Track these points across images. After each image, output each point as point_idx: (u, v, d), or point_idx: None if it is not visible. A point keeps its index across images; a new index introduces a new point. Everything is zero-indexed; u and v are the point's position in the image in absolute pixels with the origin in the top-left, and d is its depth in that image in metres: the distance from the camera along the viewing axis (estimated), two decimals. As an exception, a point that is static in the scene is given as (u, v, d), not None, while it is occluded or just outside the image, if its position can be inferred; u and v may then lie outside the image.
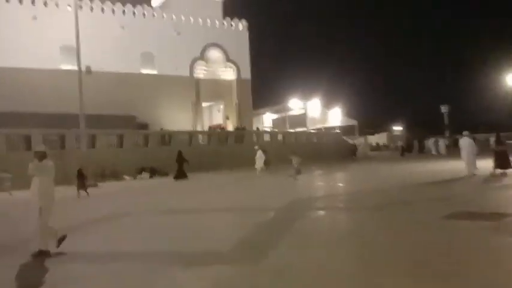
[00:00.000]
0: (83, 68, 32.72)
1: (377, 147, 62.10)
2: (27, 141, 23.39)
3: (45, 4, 31.68)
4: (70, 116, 24.33)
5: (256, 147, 27.02)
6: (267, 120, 58.12)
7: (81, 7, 33.39)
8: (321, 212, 10.67)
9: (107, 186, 22.31)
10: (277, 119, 57.81)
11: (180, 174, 23.58)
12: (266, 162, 27.63)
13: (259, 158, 25.59)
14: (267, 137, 38.13)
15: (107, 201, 15.73)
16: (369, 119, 75.64)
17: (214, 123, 41.28)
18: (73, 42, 31.11)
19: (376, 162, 33.34)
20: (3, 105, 26.19)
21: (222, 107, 40.70)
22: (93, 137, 26.06)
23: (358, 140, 53.63)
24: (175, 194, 17.00)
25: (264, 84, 67.01)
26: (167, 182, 23.40)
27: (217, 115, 42.55)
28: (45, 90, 29.45)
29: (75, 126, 23.36)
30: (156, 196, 16.68)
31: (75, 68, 31.51)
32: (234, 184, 20.00)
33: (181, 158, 24.01)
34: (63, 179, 23.00)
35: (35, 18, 30.89)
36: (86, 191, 17.27)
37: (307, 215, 10.12)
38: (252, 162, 25.74)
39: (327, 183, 18.79)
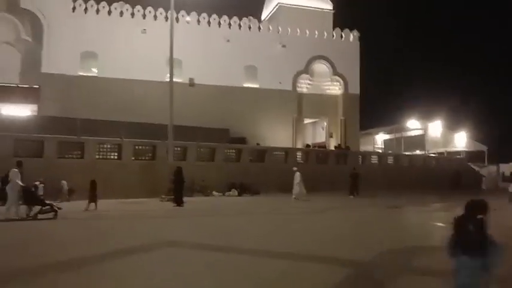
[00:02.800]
0: (187, 80, 33.25)
1: (511, 179, 52.63)
2: (119, 149, 23.41)
3: (155, 18, 32.59)
4: (165, 127, 23.81)
5: (294, 168, 22.90)
6: (378, 140, 53.24)
7: (188, 21, 33.94)
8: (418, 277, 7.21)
9: (192, 202, 21.02)
10: (389, 139, 52.55)
11: (178, 199, 18.46)
12: (354, 188, 24.08)
13: (298, 182, 21.83)
14: (374, 159, 34.13)
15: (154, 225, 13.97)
16: (503, 145, 65.23)
17: (317, 141, 38.46)
18: (178, 55, 31.76)
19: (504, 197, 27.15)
20: (102, 114, 26.93)
21: (325, 124, 37.72)
22: (185, 149, 25.27)
23: (488, 169, 45.71)
24: (247, 216, 14.71)
25: (376, 101, 61.88)
26: (253, 200, 21.33)
27: (321, 133, 39.67)
28: (147, 102, 29.89)
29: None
30: (228, 221, 14.50)
31: (178, 80, 32.09)
32: (320, 213, 16.94)
33: (179, 177, 18.80)
34: (151, 190, 22.71)
35: (144, 31, 31.88)
36: (95, 204, 16.20)
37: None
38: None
39: (444, 223, 14.64)
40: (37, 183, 19.43)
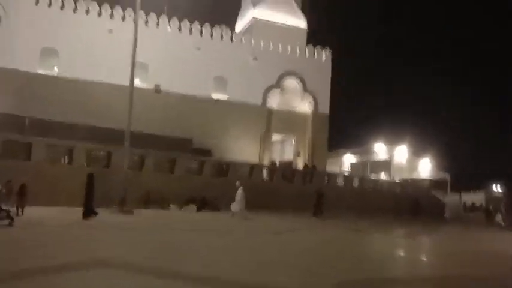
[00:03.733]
0: (153, 86, 31.83)
1: (472, 208, 53.57)
2: (70, 153, 21.72)
3: (123, 19, 31.17)
4: (123, 133, 22.26)
5: (237, 182, 21.27)
6: (346, 162, 53.17)
7: (158, 24, 32.70)
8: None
9: (143, 214, 19.57)
10: (356, 163, 52.60)
11: (88, 210, 15.97)
12: (318, 208, 23.40)
13: (239, 199, 20.33)
14: (340, 181, 33.61)
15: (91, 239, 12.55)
16: (465, 173, 66.67)
17: (284, 159, 37.63)
18: (145, 60, 30.42)
19: (469, 228, 27.11)
20: (59, 115, 25.25)
21: (293, 142, 37.01)
22: (143, 158, 23.80)
23: (451, 197, 46.22)
24: (195, 235, 13.45)
25: (345, 123, 62.13)
26: (211, 217, 20.04)
27: (288, 151, 38.90)
28: (108, 105, 28.23)
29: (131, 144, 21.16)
30: (169, 240, 13.18)
31: (143, 85, 30.66)
32: (277, 235, 15.88)
33: (91, 185, 16.58)
34: (102, 199, 21.00)
35: (110, 31, 30.39)
36: (22, 210, 15.18)
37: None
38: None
39: (406, 252, 13.87)
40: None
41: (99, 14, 31.02)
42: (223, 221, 18.99)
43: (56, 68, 29.67)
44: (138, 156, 23.47)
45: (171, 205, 23.58)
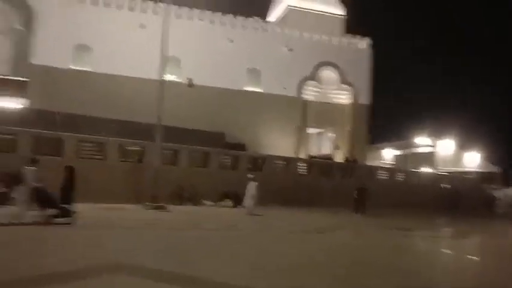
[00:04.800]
0: (185, 80, 31.22)
1: (526, 203, 49.84)
2: (102, 148, 21.30)
3: (155, 12, 30.67)
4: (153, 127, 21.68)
5: (250, 175, 19.90)
6: (387, 156, 50.85)
7: (190, 17, 32.07)
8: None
9: (176, 210, 18.87)
10: (398, 155, 50.16)
11: (64, 211, 12.15)
12: (360, 204, 21.65)
13: (253, 193, 18.86)
14: (383, 175, 31.79)
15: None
16: (517, 167, 62.37)
17: (321, 153, 36.19)
18: (177, 53, 29.84)
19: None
20: (91, 110, 25.01)
21: (331, 134, 35.49)
22: (175, 153, 23.13)
23: (503, 191, 43.09)
24: (233, 233, 12.44)
25: (385, 114, 59.50)
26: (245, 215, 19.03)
27: (326, 144, 37.43)
28: (141, 100, 27.85)
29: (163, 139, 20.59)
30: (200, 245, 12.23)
31: (176, 79, 30.12)
32: (317, 234, 14.62)
33: (70, 180, 13.23)
34: (135, 196, 20.55)
35: (142, 26, 29.98)
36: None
37: None
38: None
39: (455, 252, 12.27)
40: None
41: (131, 8, 30.71)
42: (257, 218, 17.95)
43: (88, 64, 29.63)
44: (170, 151, 22.81)
45: (204, 201, 22.88)
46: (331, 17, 36.53)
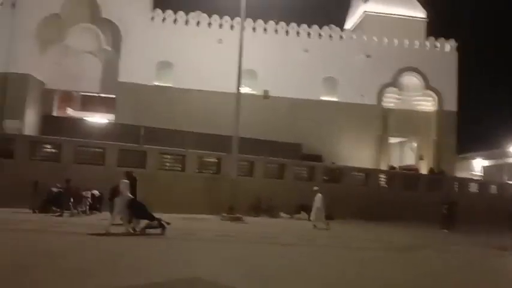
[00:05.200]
0: (261, 92, 31.34)
1: None
2: (182, 160, 21.93)
3: (232, 27, 31.27)
4: (231, 139, 21.86)
5: (315, 187, 18.71)
6: (476, 166, 46.73)
7: (265, 30, 32.23)
8: None
9: (252, 222, 18.76)
10: (489, 166, 45.83)
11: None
12: (449, 220, 19.98)
13: (319, 206, 17.79)
14: (473, 188, 29.17)
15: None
16: None
17: (404, 164, 34.18)
18: (254, 66, 30.07)
19: None
20: (169, 123, 25.99)
21: (415, 144, 33.40)
22: (251, 164, 23.13)
23: None
24: (311, 249, 11.83)
25: (475, 122, 54.70)
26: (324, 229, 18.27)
27: (409, 154, 35.33)
28: (218, 113, 28.35)
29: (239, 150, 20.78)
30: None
31: (252, 91, 30.34)
32: (405, 252, 13.48)
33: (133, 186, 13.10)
34: (212, 206, 20.79)
35: (220, 41, 30.68)
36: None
37: None
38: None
39: None
40: (96, 191, 18.65)
41: (209, 25, 31.66)
42: (336, 231, 17.13)
43: (170, 80, 30.93)
44: (246, 162, 22.88)
45: (281, 213, 22.55)
46: (412, 20, 34.68)
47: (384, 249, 13.07)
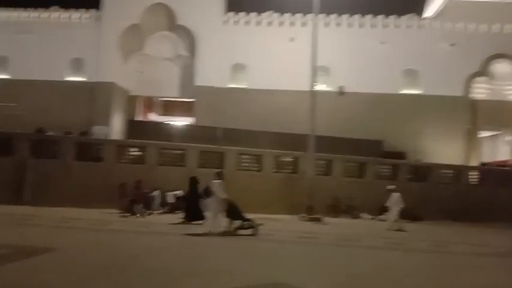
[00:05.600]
0: (336, 89, 30.44)
1: None
2: (259, 160, 21.88)
3: (303, 24, 30.69)
4: (306, 138, 21.44)
5: (389, 186, 17.50)
6: None
7: (339, 24, 31.30)
8: None
9: (331, 223, 18.16)
10: None
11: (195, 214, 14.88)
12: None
13: (394, 205, 16.48)
14: None
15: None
16: None
17: (498, 159, 31.25)
18: (327, 62, 29.25)
19: None
20: (244, 124, 26.10)
21: (510, 138, 30.40)
22: (329, 163, 22.46)
23: None
24: (401, 254, 10.96)
25: None
26: (415, 229, 17.07)
27: (503, 149, 32.26)
28: (292, 112, 28.03)
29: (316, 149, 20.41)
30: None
31: (327, 88, 29.56)
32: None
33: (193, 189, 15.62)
34: (290, 206, 20.49)
35: (292, 40, 30.31)
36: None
37: None
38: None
39: None
40: (178, 191, 19.20)
41: (281, 23, 31.46)
42: (426, 233, 15.94)
43: (244, 81, 31.22)
44: (323, 161, 22.27)
45: (361, 214, 21.62)
46: (501, 3, 31.56)
47: (483, 254, 11.83)
